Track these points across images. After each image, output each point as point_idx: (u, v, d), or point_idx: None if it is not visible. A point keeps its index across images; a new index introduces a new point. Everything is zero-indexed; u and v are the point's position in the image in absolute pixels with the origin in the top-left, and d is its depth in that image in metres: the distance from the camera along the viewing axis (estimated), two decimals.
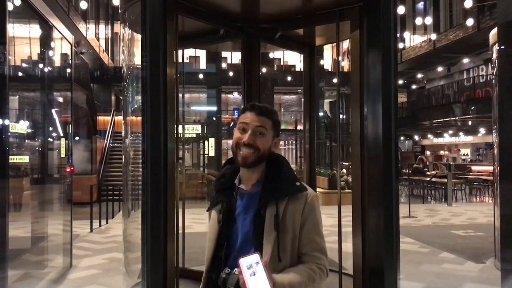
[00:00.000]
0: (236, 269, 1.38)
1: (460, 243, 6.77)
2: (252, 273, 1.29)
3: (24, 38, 9.70)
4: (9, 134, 3.84)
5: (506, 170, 3.76)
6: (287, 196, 1.53)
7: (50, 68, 5.92)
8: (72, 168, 5.97)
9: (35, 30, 6.54)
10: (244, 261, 1.31)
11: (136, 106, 4.34)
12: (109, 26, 23.55)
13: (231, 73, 22.13)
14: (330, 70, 23.40)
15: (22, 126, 8.17)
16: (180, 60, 4.06)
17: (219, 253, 1.54)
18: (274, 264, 1.47)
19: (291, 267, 1.50)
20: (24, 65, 11.22)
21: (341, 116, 23.79)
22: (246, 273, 1.29)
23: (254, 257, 1.32)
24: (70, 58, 6.12)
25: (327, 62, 22.82)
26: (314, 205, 1.56)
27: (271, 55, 21.57)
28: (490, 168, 15.47)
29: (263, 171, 1.58)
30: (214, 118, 21.57)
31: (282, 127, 12.68)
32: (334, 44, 3.60)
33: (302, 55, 4.70)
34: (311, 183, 4.69)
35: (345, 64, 19.84)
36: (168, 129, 2.95)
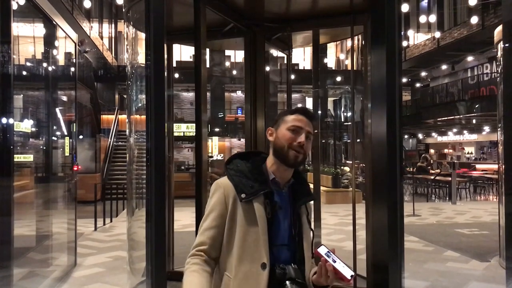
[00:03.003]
0: (292, 264, 1.47)
1: (465, 241, 6.75)
2: (333, 260, 1.35)
3: (28, 37, 9.74)
4: (14, 133, 3.85)
5: (511, 168, 3.74)
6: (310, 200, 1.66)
7: (54, 67, 5.93)
8: (78, 167, 5.98)
9: (39, 29, 6.55)
10: (321, 251, 1.37)
11: (140, 104, 4.36)
12: (113, 25, 23.58)
13: (234, 72, 22.12)
14: (333, 68, 23.35)
15: (27, 125, 8.19)
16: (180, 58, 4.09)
17: (271, 247, 1.51)
18: (308, 260, 1.55)
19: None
20: (28, 64, 11.24)
21: (345, 114, 23.81)
22: (330, 261, 1.35)
23: (324, 248, 1.39)
24: (74, 57, 6.12)
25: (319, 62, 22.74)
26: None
27: (274, 53, 21.54)
28: (495, 166, 15.41)
29: None
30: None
31: None
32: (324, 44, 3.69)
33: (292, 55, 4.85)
34: (315, 182, 4.70)
35: (347, 63, 19.76)
36: (202, 130, 3.22)
